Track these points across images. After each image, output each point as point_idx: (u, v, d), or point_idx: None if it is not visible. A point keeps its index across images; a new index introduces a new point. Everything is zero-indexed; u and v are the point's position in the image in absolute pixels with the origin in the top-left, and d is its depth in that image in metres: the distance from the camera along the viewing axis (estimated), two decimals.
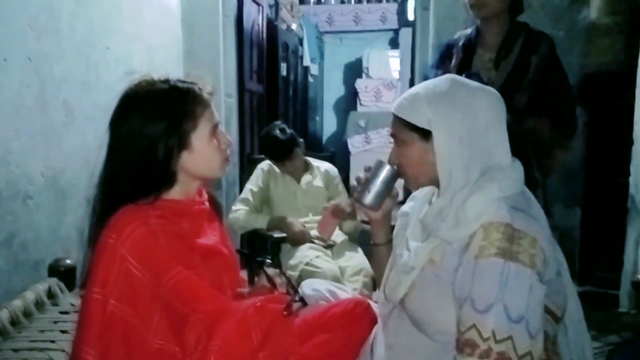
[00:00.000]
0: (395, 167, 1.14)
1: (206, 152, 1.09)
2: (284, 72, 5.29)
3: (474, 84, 1.07)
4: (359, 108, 6.79)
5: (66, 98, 1.99)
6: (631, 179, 2.27)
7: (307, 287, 1.51)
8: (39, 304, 1.55)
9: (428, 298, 1.04)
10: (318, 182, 2.57)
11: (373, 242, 1.31)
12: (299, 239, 2.37)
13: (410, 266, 1.06)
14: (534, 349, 0.90)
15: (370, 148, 6.19)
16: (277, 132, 2.45)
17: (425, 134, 1.04)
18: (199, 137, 1.07)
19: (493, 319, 0.90)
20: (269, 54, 4.52)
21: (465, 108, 1.01)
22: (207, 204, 1.20)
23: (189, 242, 1.10)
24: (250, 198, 2.54)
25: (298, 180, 2.55)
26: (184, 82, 1.09)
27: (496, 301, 0.90)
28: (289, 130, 2.48)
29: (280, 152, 2.46)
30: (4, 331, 1.36)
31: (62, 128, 1.96)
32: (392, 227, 1.28)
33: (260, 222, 2.44)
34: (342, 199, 2.33)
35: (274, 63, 4.77)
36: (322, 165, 2.63)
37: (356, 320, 1.29)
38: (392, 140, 1.15)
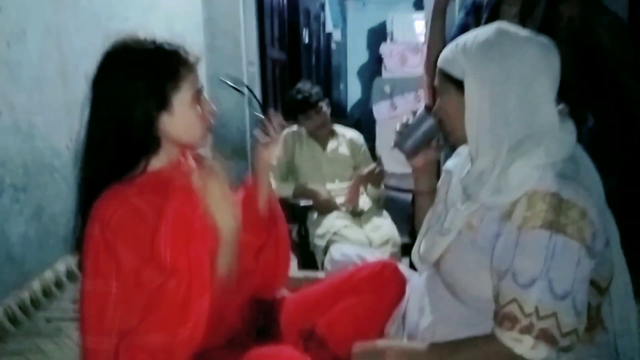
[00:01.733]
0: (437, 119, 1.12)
1: (187, 116, 1.05)
2: (306, 39, 5.20)
3: (525, 32, 0.98)
4: (384, 74, 6.63)
5: (87, 70, 1.98)
6: None
7: (337, 252, 1.49)
8: (70, 276, 1.57)
9: (463, 263, 1.00)
10: (344, 149, 2.54)
11: (415, 190, 1.28)
12: (325, 207, 2.35)
13: (446, 228, 1.02)
14: (579, 326, 0.86)
15: (396, 115, 6.06)
16: (301, 85, 2.48)
17: (461, 86, 0.98)
18: (181, 100, 1.04)
19: (536, 294, 0.85)
20: (290, 20, 4.44)
21: (504, 58, 0.93)
22: (192, 163, 1.16)
23: (175, 212, 1.06)
24: (276, 166, 2.52)
25: (324, 147, 2.52)
26: (170, 44, 1.06)
27: (541, 276, 0.85)
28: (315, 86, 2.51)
29: (307, 103, 2.44)
30: (36, 302, 1.39)
31: (84, 101, 1.96)
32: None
33: (286, 191, 2.43)
34: (372, 166, 2.36)
35: (295, 30, 4.68)
36: (347, 133, 2.60)
37: (384, 282, 1.27)
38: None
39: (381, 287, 1.27)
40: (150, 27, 2.52)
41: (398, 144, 1.21)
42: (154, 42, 1.05)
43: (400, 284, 1.29)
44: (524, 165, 0.90)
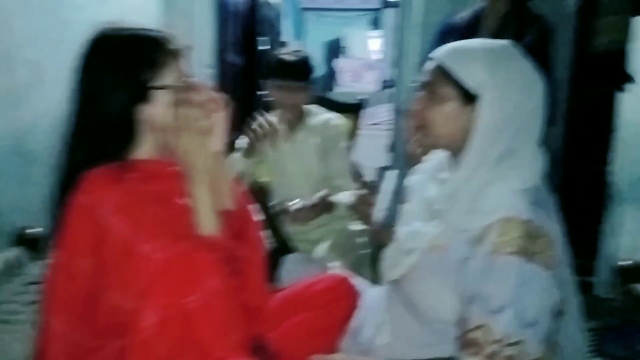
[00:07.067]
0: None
1: (170, 107, 0.99)
2: (262, 46, 5.17)
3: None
4: (335, 89, 6.70)
5: (33, 57, 1.86)
6: (612, 168, 2.28)
7: (292, 261, 1.46)
8: (8, 272, 1.46)
9: (427, 284, 0.98)
10: (314, 142, 1.92)
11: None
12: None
13: (409, 248, 1.00)
14: (545, 354, 0.85)
15: None
16: (293, 48, 1.95)
17: (470, 97, 0.93)
18: (163, 90, 0.98)
19: (505, 321, 0.84)
20: (248, 26, 4.41)
21: (524, 83, 0.93)
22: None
23: (172, 204, 1.01)
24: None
25: (292, 140, 1.92)
26: (152, 31, 1.01)
27: (510, 303, 0.84)
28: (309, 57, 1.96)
29: (304, 70, 1.88)
30: None
31: (28, 89, 1.83)
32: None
33: (241, 165, 1.76)
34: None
35: (252, 36, 4.66)
36: (321, 119, 1.95)
37: (339, 297, 1.24)
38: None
39: (335, 302, 1.24)
40: (104, 18, 2.41)
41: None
42: (133, 30, 1.00)
43: (354, 299, 1.27)
44: (501, 190, 0.90)
